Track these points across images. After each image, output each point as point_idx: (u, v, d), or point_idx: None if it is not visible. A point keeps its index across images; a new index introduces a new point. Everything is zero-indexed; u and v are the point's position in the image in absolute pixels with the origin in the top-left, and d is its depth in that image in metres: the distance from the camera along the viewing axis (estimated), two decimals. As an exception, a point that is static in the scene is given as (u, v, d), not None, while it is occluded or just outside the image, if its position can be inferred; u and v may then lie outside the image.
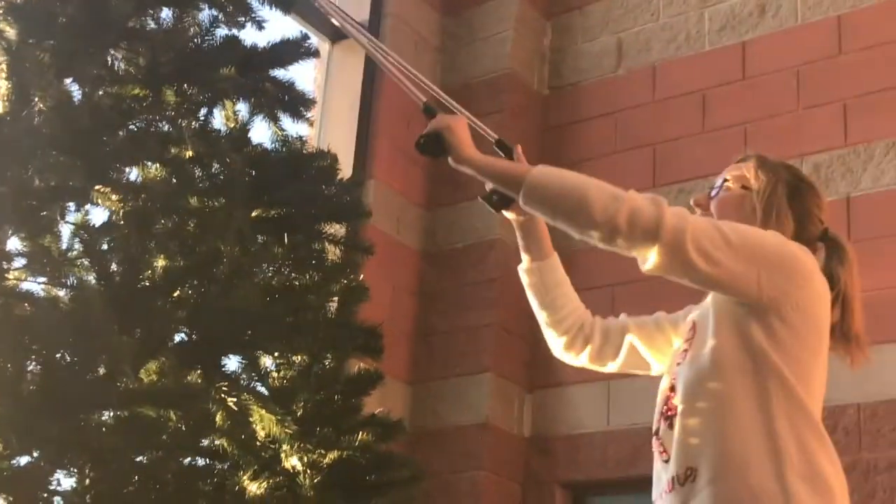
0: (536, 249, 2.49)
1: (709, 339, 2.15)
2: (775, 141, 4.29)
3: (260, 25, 2.80)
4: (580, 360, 2.52)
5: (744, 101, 4.59)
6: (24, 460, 2.23)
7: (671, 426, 2.15)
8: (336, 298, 2.80)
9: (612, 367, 2.53)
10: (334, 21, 2.76)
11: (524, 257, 2.50)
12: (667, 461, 2.15)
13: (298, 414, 2.59)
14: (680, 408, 2.14)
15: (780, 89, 4.52)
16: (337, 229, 2.86)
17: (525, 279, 2.52)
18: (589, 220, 2.07)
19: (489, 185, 2.40)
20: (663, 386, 2.26)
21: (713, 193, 2.36)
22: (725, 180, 2.36)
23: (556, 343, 2.52)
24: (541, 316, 2.53)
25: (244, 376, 2.61)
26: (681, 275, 2.11)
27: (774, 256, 2.12)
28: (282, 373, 2.66)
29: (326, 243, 2.80)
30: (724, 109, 4.63)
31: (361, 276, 2.88)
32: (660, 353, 2.43)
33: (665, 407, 2.20)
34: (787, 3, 4.63)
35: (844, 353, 2.25)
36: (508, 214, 2.46)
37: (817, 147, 4.33)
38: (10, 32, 2.52)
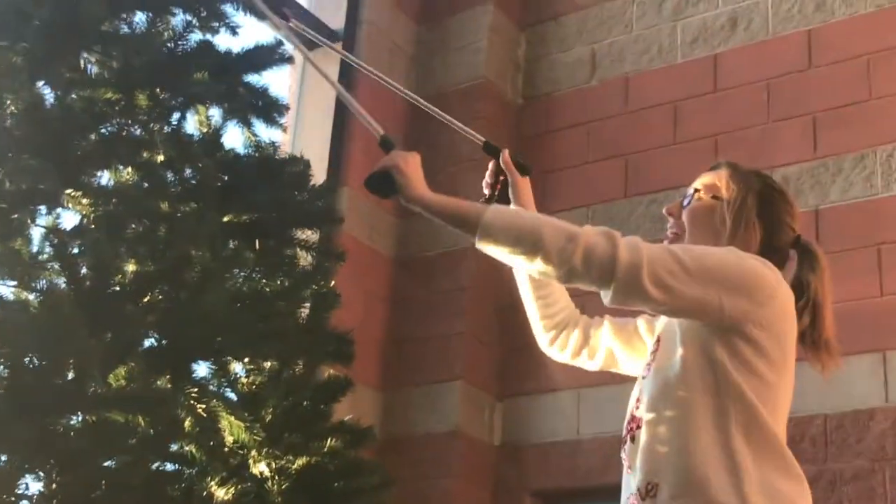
0: None
1: (672, 354, 2.16)
2: (745, 153, 4.30)
3: (234, 31, 2.81)
4: (564, 356, 2.53)
5: (715, 112, 4.62)
6: (-9, 464, 2.22)
7: (634, 439, 2.16)
8: (307, 304, 2.80)
9: (591, 366, 2.54)
10: (286, 37, 2.76)
11: None
12: (631, 473, 2.16)
13: (267, 420, 2.59)
14: (643, 421, 2.15)
15: (750, 102, 4.55)
16: (309, 235, 2.85)
17: (519, 274, 2.52)
18: (545, 263, 2.07)
19: (485, 189, 2.52)
20: (632, 397, 2.27)
21: (685, 202, 2.37)
22: (696, 190, 2.36)
23: (542, 338, 2.53)
24: (531, 311, 2.54)
25: (213, 382, 2.60)
26: (641, 306, 2.12)
27: (734, 277, 2.11)
28: (251, 379, 2.65)
29: (298, 249, 2.80)
30: (695, 121, 4.65)
31: (333, 282, 2.88)
32: (639, 356, 2.43)
33: (630, 418, 2.21)
34: (758, 16, 4.66)
35: (815, 360, 2.26)
36: None
37: (787, 159, 4.35)
38: (-17, 35, 2.52)
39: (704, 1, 4.82)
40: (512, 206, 2.54)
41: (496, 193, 2.60)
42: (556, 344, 2.52)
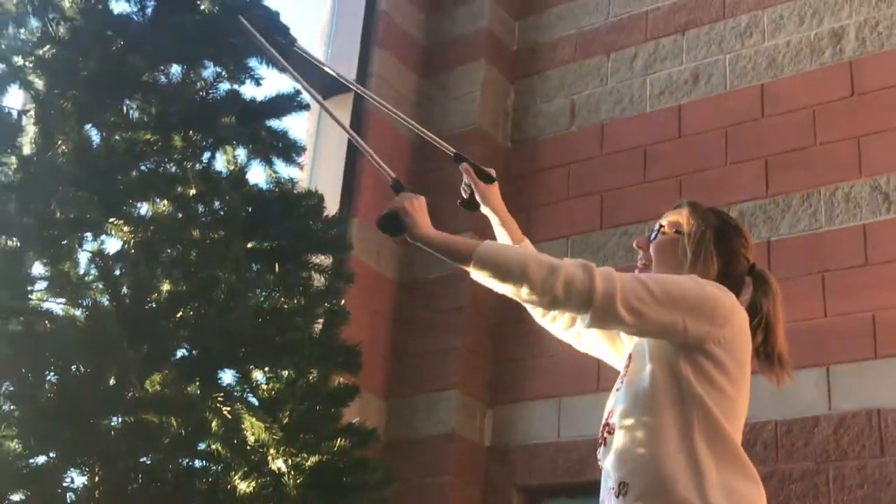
0: (510, 235, 2.55)
1: (642, 369, 2.15)
2: (706, 191, 4.31)
3: (258, 82, 2.82)
4: (555, 328, 2.50)
5: (679, 156, 4.62)
6: (41, 460, 2.21)
7: (607, 443, 2.16)
8: (320, 321, 2.79)
9: (577, 346, 2.52)
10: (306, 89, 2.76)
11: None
12: (606, 473, 2.15)
13: (284, 422, 2.58)
14: (615, 427, 2.14)
15: (710, 146, 4.55)
16: (322, 260, 2.85)
17: None
18: (530, 292, 2.08)
19: (463, 193, 2.60)
20: (606, 406, 2.26)
21: (652, 237, 2.37)
22: (661, 226, 2.37)
23: (534, 311, 2.50)
24: None
25: (237, 388, 2.60)
26: (615, 328, 2.13)
27: (695, 302, 2.11)
28: (270, 385, 2.65)
29: (313, 272, 2.80)
30: (662, 163, 4.65)
31: (343, 301, 2.88)
32: (618, 353, 2.41)
33: (604, 425, 2.21)
34: (717, 72, 4.68)
35: (770, 373, 2.25)
36: (484, 210, 2.57)
37: (742, 197, 4.36)
38: (39, 84, 2.53)
39: (670, 58, 4.84)
40: (499, 239, 2.55)
41: (470, 199, 2.63)
42: (548, 317, 2.49)
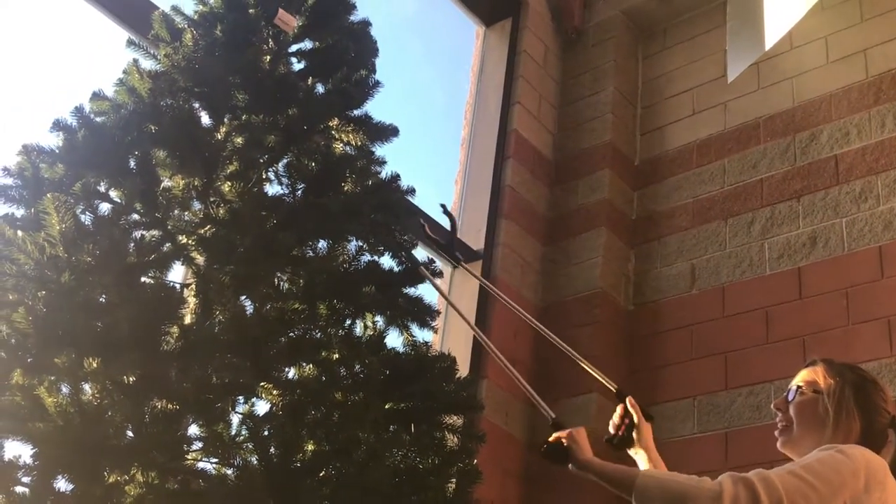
0: None
1: None
2: (829, 351, 4.14)
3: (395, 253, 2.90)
4: None
5: (801, 317, 4.53)
6: None
7: None
8: (454, 480, 2.78)
9: None
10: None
11: None
12: None
13: (421, 578, 2.55)
14: None
15: (831, 308, 4.46)
16: (455, 420, 2.86)
17: None
18: None
19: (612, 429, 2.57)
20: None
21: (790, 398, 2.33)
22: (799, 386, 2.32)
23: None
24: None
25: (376, 545, 2.58)
26: None
27: (852, 482, 2.06)
28: (406, 543, 2.62)
29: (446, 432, 2.80)
30: (784, 324, 4.57)
31: (475, 461, 2.86)
32: None
33: None
34: (834, 235, 4.62)
35: None
36: (632, 452, 2.59)
37: (866, 357, 4.22)
38: (199, 259, 2.65)
39: (787, 223, 4.81)
40: (645, 466, 2.51)
41: (619, 433, 2.59)
42: None
